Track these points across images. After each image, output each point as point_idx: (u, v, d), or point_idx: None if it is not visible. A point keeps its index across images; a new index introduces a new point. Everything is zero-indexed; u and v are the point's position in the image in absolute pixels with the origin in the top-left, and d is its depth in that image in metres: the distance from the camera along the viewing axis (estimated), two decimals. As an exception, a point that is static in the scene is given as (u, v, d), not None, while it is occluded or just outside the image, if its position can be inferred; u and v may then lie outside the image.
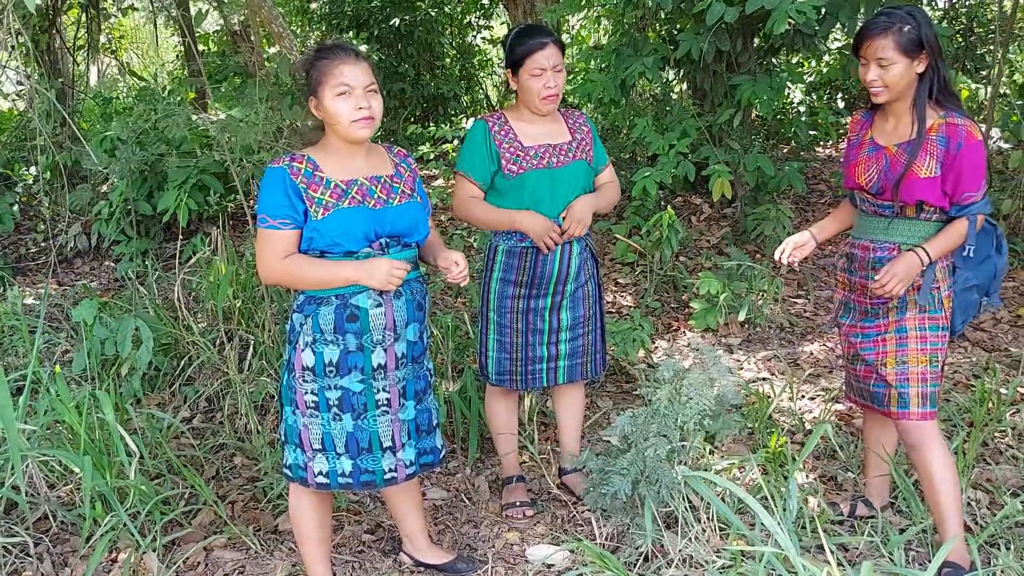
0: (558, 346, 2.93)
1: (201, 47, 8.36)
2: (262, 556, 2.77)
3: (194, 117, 5.13)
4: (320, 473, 2.34)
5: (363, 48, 7.44)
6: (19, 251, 6.07)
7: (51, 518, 2.88)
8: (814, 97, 7.09)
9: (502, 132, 2.76)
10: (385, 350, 2.30)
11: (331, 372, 2.27)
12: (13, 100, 7.25)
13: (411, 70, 8.37)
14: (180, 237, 4.83)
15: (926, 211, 2.41)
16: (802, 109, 7.06)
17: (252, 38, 4.40)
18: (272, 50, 6.30)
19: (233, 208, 5.88)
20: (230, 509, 3.00)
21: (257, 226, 2.24)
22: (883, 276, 2.40)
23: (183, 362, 3.80)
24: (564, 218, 2.77)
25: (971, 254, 2.44)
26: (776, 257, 2.63)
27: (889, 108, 2.46)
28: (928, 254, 2.39)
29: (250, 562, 2.74)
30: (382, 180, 2.33)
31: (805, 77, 6.67)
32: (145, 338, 3.57)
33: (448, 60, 9.18)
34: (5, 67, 5.82)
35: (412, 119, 8.58)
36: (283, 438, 2.39)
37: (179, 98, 5.67)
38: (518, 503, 3.02)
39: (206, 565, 2.73)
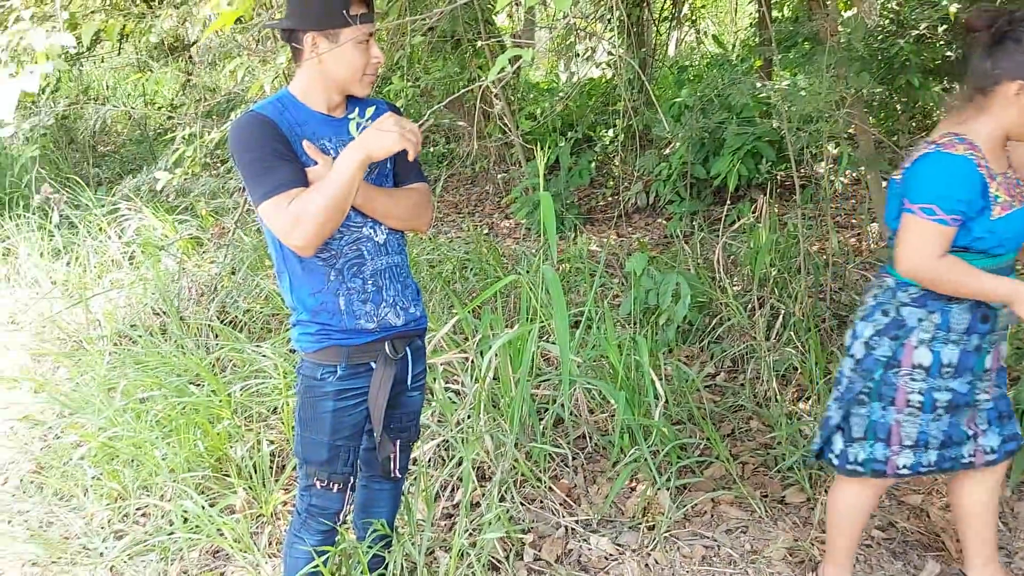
0: None
1: (776, 14, 8.41)
2: (765, 522, 2.80)
3: (758, 84, 5.21)
4: (904, 466, 2.24)
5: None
6: (591, 203, 6.89)
7: (588, 439, 3.29)
8: None
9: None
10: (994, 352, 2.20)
11: (947, 373, 2.15)
12: (603, 68, 8.16)
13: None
14: (728, 201, 5.00)
15: None
16: None
17: (828, 2, 4.27)
18: (848, 14, 6.05)
19: (782, 176, 5.88)
20: (740, 469, 3.08)
21: (911, 213, 2.04)
22: None
23: (714, 321, 3.97)
24: None
25: None
26: None
27: None
28: None
29: (753, 524, 2.79)
30: None
31: None
32: (684, 293, 3.80)
33: None
34: (601, 38, 6.59)
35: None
36: (861, 435, 2.24)
37: (747, 66, 5.80)
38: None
39: (712, 516, 2.85)
